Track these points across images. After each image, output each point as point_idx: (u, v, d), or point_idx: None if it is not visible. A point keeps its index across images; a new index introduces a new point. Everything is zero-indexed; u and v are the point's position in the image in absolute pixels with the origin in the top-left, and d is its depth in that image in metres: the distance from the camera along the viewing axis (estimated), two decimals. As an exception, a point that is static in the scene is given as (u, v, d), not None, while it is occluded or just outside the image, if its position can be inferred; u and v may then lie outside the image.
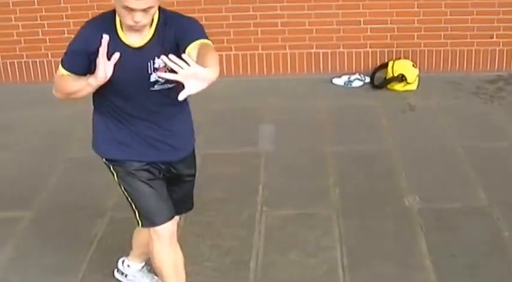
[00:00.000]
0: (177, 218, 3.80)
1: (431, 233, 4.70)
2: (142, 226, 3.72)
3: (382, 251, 4.52)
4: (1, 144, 6.44)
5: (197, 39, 3.30)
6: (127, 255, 4.25)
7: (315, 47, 7.74)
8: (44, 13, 7.71)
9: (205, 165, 5.75)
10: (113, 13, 3.43)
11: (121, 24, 3.40)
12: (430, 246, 4.53)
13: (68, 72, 3.43)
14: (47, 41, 7.77)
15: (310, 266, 4.40)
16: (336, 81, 7.60)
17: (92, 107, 3.67)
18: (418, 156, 5.85)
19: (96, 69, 3.25)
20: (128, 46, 3.42)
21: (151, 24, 3.44)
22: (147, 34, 3.45)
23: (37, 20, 7.73)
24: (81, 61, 3.40)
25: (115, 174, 3.69)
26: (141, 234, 4.00)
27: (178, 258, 3.82)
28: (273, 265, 4.43)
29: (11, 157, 6.15)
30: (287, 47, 7.72)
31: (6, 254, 4.68)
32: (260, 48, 7.72)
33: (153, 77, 3.48)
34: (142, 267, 4.25)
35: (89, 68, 3.38)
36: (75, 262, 4.51)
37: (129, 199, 3.67)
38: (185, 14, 3.49)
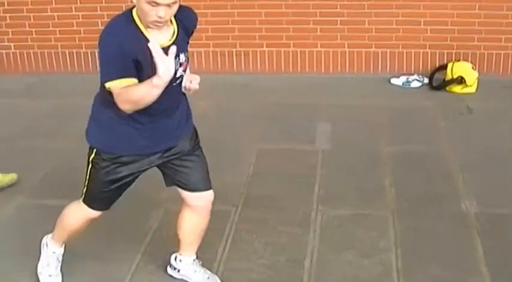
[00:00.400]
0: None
1: (487, 238, 4.62)
2: (82, 200, 3.97)
3: (438, 254, 4.46)
4: (59, 133, 6.51)
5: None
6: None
7: (373, 46, 7.69)
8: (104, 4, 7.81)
9: (260, 160, 5.78)
10: (129, 15, 3.42)
11: (142, 24, 3.42)
12: (487, 252, 4.45)
13: (121, 80, 3.35)
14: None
15: (365, 267, 4.35)
16: (394, 81, 7.54)
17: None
18: (475, 159, 5.77)
19: (157, 68, 3.19)
20: (163, 48, 3.38)
21: (171, 21, 3.50)
22: (171, 31, 3.53)
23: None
24: (127, 63, 3.34)
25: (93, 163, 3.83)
26: (185, 224, 4.09)
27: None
28: (327, 264, 4.39)
29: (71, 147, 6.19)
30: (346, 46, 7.68)
31: (77, 241, 4.69)
32: (319, 45, 7.69)
33: (179, 73, 3.57)
34: (194, 260, 4.25)
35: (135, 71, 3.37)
36: (129, 253, 4.53)
37: (87, 181, 3.90)
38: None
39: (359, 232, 4.74)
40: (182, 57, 3.58)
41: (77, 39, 7.91)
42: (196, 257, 4.23)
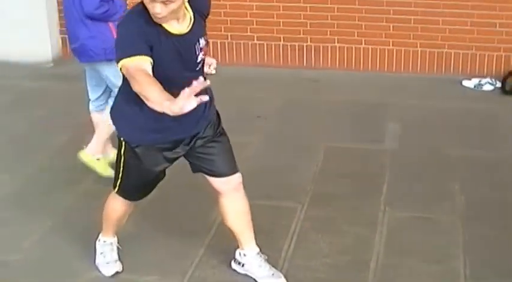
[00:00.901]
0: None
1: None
2: (116, 192, 4.06)
3: (508, 264, 4.35)
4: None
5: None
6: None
7: (446, 46, 7.55)
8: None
9: (328, 158, 5.72)
10: (144, 5, 3.48)
11: None
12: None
13: (137, 57, 3.37)
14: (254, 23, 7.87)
15: (432, 274, 4.26)
16: (465, 83, 7.39)
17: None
18: (546, 166, 5.63)
19: (178, 99, 3.13)
20: (176, 35, 3.54)
21: (186, 8, 3.57)
22: (187, 19, 3.60)
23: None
24: (143, 45, 3.41)
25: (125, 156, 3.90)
26: (226, 215, 4.11)
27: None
28: (393, 268, 4.32)
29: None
30: (418, 45, 7.55)
31: (125, 230, 4.67)
32: (391, 44, 7.58)
33: (200, 57, 3.68)
34: (258, 253, 4.21)
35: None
36: (192, 246, 4.51)
37: (120, 173, 3.96)
38: None
39: (426, 236, 4.64)
40: (202, 41, 3.68)
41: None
42: (260, 251, 4.19)
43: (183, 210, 4.95)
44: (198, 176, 5.29)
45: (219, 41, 7.86)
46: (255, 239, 4.17)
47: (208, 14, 3.79)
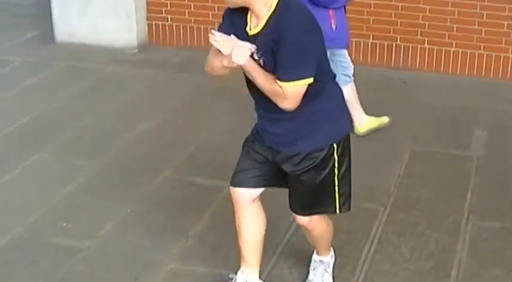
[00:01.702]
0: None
1: None
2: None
3: None
4: (213, 110, 6.51)
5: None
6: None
7: (541, 54, 7.33)
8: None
9: (413, 162, 5.60)
10: None
11: None
12: None
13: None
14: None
15: (515, 287, 4.14)
16: (560, 91, 7.16)
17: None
18: None
19: None
20: (246, 32, 3.41)
21: (268, 13, 3.35)
22: (261, 23, 3.37)
23: None
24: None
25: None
26: (315, 231, 3.92)
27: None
28: (475, 278, 4.19)
29: (220, 124, 6.21)
30: (510, 51, 7.35)
31: (204, 221, 4.72)
32: (482, 48, 7.38)
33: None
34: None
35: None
36: (271, 243, 4.41)
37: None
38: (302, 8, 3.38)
39: (510, 248, 4.49)
40: (256, 56, 3.41)
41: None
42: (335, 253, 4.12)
43: (266, 205, 4.89)
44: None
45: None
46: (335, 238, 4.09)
47: (281, 42, 3.31)
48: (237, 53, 3.34)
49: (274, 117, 3.56)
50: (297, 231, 4.53)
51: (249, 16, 3.41)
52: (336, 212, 3.74)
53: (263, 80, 3.38)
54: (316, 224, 3.83)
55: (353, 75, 5.79)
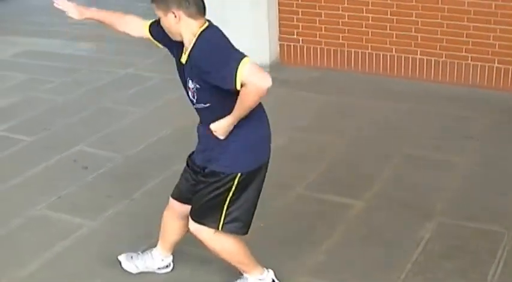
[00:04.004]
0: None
1: None
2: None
3: None
4: (341, 129, 6.71)
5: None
6: (453, 262, 4.26)
7: None
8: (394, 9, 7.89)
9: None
10: None
11: None
12: None
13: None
14: (394, 36, 7.95)
15: None
16: None
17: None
18: None
19: None
20: (180, 60, 3.85)
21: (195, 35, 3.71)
22: (187, 52, 3.74)
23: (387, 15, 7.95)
24: None
25: None
26: (207, 245, 4.12)
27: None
28: None
29: (348, 143, 6.40)
30: None
31: (334, 239, 4.88)
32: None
33: (191, 96, 3.81)
34: None
35: None
36: (399, 261, 4.58)
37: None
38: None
39: None
40: (190, 83, 3.77)
41: (363, 40, 8.08)
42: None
43: (391, 224, 5.04)
44: (409, 192, 5.43)
45: (410, 57, 7.95)
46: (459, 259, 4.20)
47: (203, 72, 3.66)
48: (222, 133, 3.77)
49: (203, 131, 3.95)
50: (426, 251, 4.67)
51: (184, 48, 3.79)
52: (218, 228, 3.96)
53: (238, 109, 3.66)
54: (204, 238, 4.05)
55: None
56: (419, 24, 7.73)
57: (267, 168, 4.04)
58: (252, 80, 3.52)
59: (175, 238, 4.44)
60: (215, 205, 3.93)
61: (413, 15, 7.73)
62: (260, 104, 3.84)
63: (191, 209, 4.07)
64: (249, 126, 3.82)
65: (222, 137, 3.77)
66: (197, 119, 4.03)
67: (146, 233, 4.96)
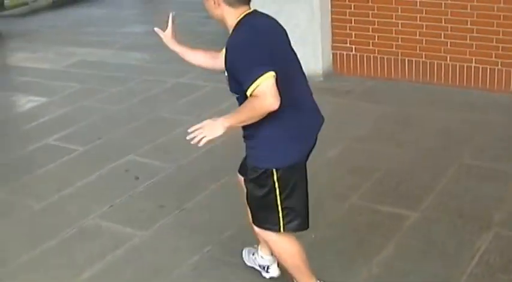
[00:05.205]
0: None
1: None
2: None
3: None
4: (397, 139, 6.63)
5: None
6: (509, 275, 4.17)
7: None
8: (449, 17, 7.78)
9: None
10: None
11: None
12: None
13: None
14: (448, 44, 7.83)
15: None
16: None
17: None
18: None
19: None
20: None
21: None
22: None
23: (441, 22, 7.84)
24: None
25: None
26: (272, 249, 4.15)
27: None
28: None
29: (405, 153, 6.31)
30: None
31: (389, 251, 4.80)
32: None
33: (228, 86, 3.82)
34: None
35: None
36: (454, 273, 4.50)
37: None
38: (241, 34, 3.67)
39: None
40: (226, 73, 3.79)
41: (418, 48, 7.98)
42: None
43: (447, 235, 4.95)
44: (467, 203, 5.33)
45: (465, 65, 7.81)
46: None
47: (228, 61, 3.71)
48: (209, 131, 3.61)
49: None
50: (482, 263, 4.57)
51: None
52: (280, 230, 3.92)
53: (243, 113, 3.61)
54: (268, 239, 4.04)
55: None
56: (474, 32, 7.61)
57: (307, 158, 3.99)
58: (265, 95, 3.47)
59: None
60: (269, 206, 3.90)
61: (468, 23, 7.60)
62: (298, 102, 3.80)
63: (250, 212, 4.06)
64: (284, 121, 3.72)
65: (206, 137, 3.60)
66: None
67: (198, 243, 4.95)
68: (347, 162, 6.20)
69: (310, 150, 3.99)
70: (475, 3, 7.51)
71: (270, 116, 3.58)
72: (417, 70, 8.06)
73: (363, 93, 7.94)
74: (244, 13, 3.74)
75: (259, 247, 4.51)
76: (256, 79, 3.45)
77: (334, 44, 8.49)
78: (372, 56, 8.30)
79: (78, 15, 13.90)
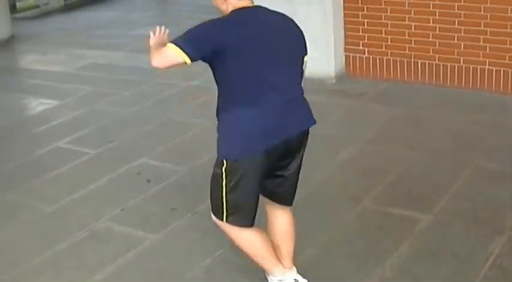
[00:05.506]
0: None
1: None
2: None
3: None
4: (410, 142, 6.59)
5: None
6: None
7: None
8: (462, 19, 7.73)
9: None
10: None
11: None
12: None
13: None
14: (461, 46, 7.79)
15: None
16: None
17: None
18: None
19: None
20: None
21: None
22: None
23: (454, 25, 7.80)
24: None
25: None
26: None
27: None
28: None
29: (417, 155, 6.27)
30: None
31: (401, 254, 4.76)
32: None
33: None
34: None
35: None
36: (467, 276, 4.46)
37: None
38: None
39: None
40: None
41: (431, 51, 7.94)
42: None
43: (460, 238, 4.91)
44: (480, 206, 5.29)
45: (478, 68, 7.76)
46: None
47: None
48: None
49: None
50: (495, 266, 4.54)
51: None
52: (223, 219, 4.01)
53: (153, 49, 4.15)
54: (220, 227, 4.11)
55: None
56: (488, 34, 7.56)
57: (267, 162, 3.94)
58: (160, 57, 3.94)
59: (275, 241, 4.30)
60: (217, 196, 3.99)
61: (482, 24, 7.56)
62: (254, 98, 3.84)
63: None
64: (236, 114, 3.87)
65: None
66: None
67: (211, 246, 4.93)
68: (359, 165, 6.18)
69: (285, 153, 4.02)
70: (488, 5, 7.46)
71: (227, 111, 3.88)
72: (430, 72, 8.02)
73: (376, 96, 7.90)
74: (243, 6, 3.90)
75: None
76: (176, 44, 3.80)
77: (347, 46, 8.46)
78: (384, 58, 8.26)
79: (89, 17, 13.93)
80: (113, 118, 7.78)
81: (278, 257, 4.21)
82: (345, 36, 8.43)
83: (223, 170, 3.89)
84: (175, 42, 3.80)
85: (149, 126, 7.43)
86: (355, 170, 6.07)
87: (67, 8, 14.75)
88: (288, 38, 4.01)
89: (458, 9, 7.65)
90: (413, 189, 5.65)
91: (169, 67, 3.89)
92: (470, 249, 4.77)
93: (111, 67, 9.86)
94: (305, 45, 4.10)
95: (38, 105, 8.55)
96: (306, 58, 4.12)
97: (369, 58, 8.37)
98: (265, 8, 3.99)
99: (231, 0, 3.88)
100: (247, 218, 4.02)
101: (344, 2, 8.33)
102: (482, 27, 7.56)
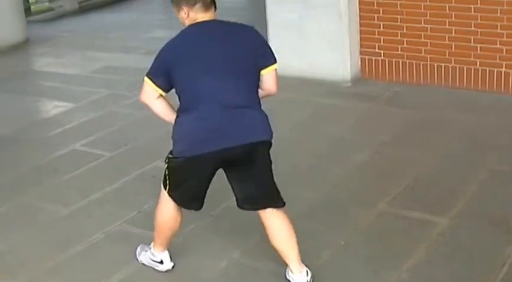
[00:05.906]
0: None
1: None
2: None
3: None
4: (425, 145, 6.55)
5: None
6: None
7: None
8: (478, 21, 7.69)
9: None
10: None
11: None
12: None
13: None
14: (478, 49, 7.74)
15: None
16: None
17: None
18: None
19: None
20: None
21: None
22: None
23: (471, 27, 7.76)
24: None
25: None
26: None
27: None
28: None
29: (433, 158, 6.24)
30: None
31: (418, 257, 4.74)
32: None
33: None
34: None
35: None
36: (484, 279, 4.44)
37: None
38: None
39: None
40: None
41: (447, 54, 7.90)
42: None
43: (476, 242, 4.89)
44: (496, 209, 5.26)
45: (495, 70, 7.72)
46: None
47: None
48: None
49: None
50: (510, 271, 4.51)
51: None
52: (165, 189, 4.47)
53: None
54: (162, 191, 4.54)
55: None
56: (504, 36, 7.53)
57: (208, 164, 4.24)
58: (142, 90, 4.37)
59: (278, 248, 4.46)
60: (165, 174, 4.45)
61: (498, 27, 7.52)
62: (192, 107, 4.12)
63: None
64: (177, 121, 4.25)
65: None
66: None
67: (227, 249, 4.95)
68: (375, 168, 6.17)
69: (230, 162, 4.22)
70: (505, 7, 7.42)
71: (177, 117, 4.25)
72: (446, 75, 7.98)
73: (391, 99, 7.88)
74: (199, 21, 4.16)
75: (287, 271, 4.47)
76: (147, 76, 4.26)
77: (362, 49, 8.42)
78: (400, 61, 8.23)
79: (103, 20, 13.95)
80: (127, 121, 7.78)
81: (285, 257, 4.39)
82: (361, 39, 8.39)
83: (166, 162, 4.39)
84: (148, 73, 4.27)
85: (164, 129, 7.38)
86: (371, 173, 6.05)
87: (81, 11, 14.78)
88: (235, 49, 4.13)
89: (474, 12, 7.62)
90: (430, 192, 5.62)
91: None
92: (486, 252, 4.75)
93: (126, 70, 9.85)
94: (264, 54, 4.22)
95: (53, 107, 8.57)
96: (272, 67, 4.24)
97: (385, 61, 8.34)
98: (220, 21, 4.19)
99: (191, 16, 4.14)
100: (182, 202, 4.46)
101: (359, 5, 8.31)
102: (498, 30, 7.53)
